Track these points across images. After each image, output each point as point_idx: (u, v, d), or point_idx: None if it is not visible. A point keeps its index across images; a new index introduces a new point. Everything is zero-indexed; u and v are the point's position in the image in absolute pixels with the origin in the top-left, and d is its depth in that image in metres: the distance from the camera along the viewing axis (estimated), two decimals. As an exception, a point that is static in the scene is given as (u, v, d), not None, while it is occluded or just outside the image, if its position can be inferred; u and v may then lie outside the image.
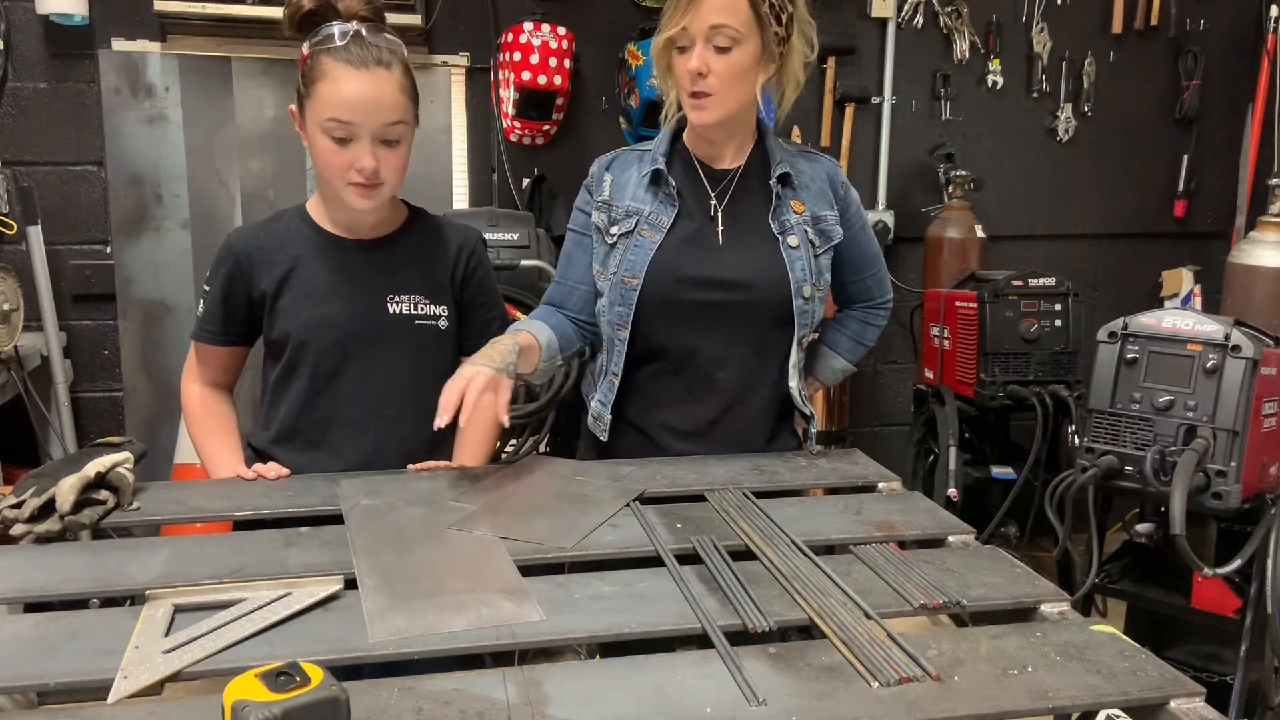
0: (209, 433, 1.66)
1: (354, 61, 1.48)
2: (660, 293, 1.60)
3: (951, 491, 2.91)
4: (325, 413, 1.62)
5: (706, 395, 1.66)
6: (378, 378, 1.62)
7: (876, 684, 0.96)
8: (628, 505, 1.44)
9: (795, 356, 1.68)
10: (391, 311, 1.61)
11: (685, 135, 1.69)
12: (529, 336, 1.57)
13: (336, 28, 1.50)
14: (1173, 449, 2.02)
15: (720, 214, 1.65)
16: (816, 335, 1.80)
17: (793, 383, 1.69)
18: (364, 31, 1.50)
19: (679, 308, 1.61)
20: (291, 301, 1.59)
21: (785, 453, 1.72)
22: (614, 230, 1.65)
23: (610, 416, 1.68)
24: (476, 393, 1.40)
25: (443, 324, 1.66)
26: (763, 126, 1.70)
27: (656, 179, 1.64)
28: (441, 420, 1.39)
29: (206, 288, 1.63)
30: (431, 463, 1.61)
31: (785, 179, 1.65)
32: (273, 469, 1.56)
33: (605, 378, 1.69)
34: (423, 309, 1.64)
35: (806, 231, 1.65)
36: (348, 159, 1.50)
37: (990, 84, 3.67)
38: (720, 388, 1.66)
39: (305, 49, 1.52)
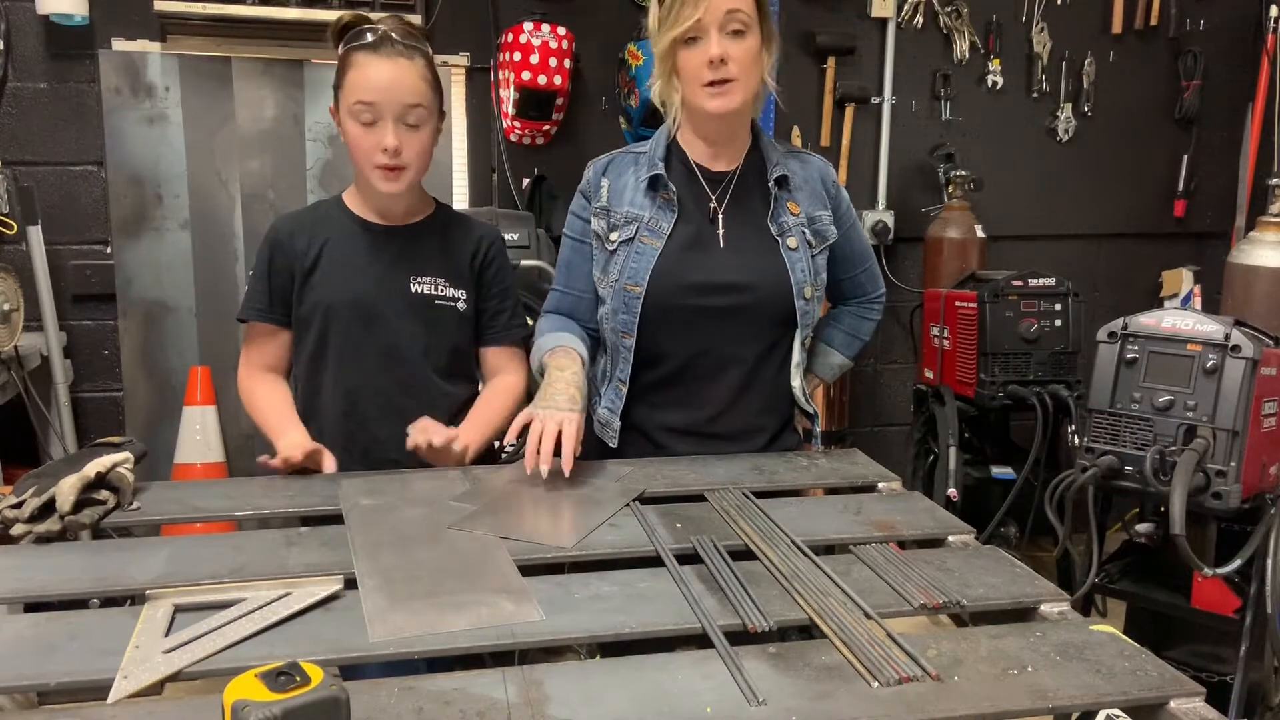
0: (262, 405, 1.74)
1: (379, 52, 1.62)
2: (664, 299, 1.61)
3: (951, 491, 2.91)
4: (355, 381, 1.72)
5: (710, 397, 1.67)
6: (401, 350, 1.73)
7: (876, 684, 0.96)
8: (628, 505, 1.44)
9: (798, 356, 1.69)
10: (414, 290, 1.73)
11: (680, 137, 1.68)
12: (578, 358, 1.60)
13: (369, 30, 1.65)
14: (1173, 449, 2.01)
15: (720, 216, 1.65)
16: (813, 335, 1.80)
17: (795, 382, 1.70)
18: (393, 34, 1.64)
19: (683, 313, 1.62)
20: (324, 276, 1.72)
21: (785, 453, 1.72)
22: (614, 237, 1.64)
23: (620, 423, 1.68)
24: (552, 437, 1.46)
25: (461, 306, 1.77)
26: (756, 128, 1.70)
27: (655, 183, 1.63)
28: (528, 466, 1.47)
29: (251, 273, 1.77)
30: (428, 423, 1.62)
31: (782, 181, 1.65)
32: (299, 450, 1.58)
33: (611, 384, 1.69)
34: (443, 290, 1.75)
35: (804, 232, 1.66)
36: (374, 140, 1.62)
37: (990, 84, 3.68)
38: (724, 390, 1.66)
39: (340, 50, 1.66)
